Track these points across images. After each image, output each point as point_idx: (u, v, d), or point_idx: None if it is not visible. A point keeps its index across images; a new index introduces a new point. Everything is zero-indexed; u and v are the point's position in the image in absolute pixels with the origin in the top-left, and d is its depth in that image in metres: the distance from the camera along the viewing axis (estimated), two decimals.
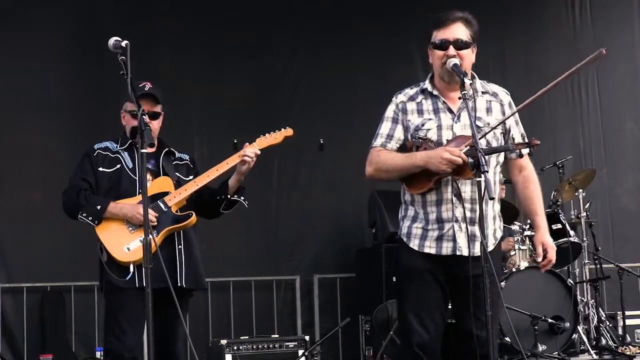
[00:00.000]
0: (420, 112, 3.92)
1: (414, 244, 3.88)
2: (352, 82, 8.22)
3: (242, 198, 4.58)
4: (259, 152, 4.51)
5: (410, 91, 4.01)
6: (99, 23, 7.37)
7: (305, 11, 8.25)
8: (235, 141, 7.58)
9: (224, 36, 7.96)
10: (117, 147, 4.48)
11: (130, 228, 4.27)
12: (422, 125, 3.88)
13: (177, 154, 4.64)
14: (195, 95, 7.81)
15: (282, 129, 4.70)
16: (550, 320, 6.33)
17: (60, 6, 7.50)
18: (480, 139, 3.66)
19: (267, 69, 8.15)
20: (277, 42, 8.23)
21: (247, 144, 4.55)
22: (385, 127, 3.97)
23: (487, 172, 3.51)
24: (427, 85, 3.96)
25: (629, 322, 7.17)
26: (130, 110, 4.48)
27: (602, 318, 6.91)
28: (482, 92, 3.96)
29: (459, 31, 3.86)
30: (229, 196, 4.52)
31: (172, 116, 7.38)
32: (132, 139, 4.45)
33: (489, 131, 3.84)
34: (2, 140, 7.17)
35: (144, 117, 3.81)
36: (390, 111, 3.99)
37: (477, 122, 3.87)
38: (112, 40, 3.77)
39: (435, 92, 3.93)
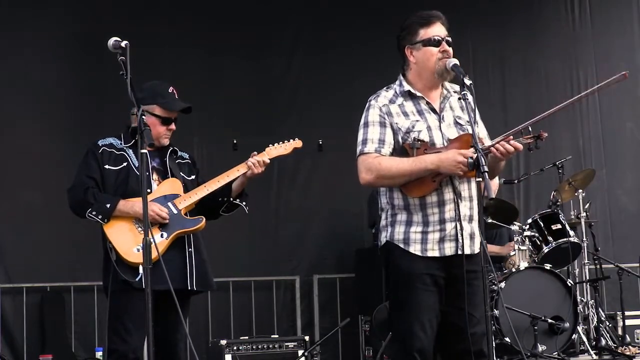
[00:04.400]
0: (405, 114, 3.86)
1: (415, 249, 3.80)
2: (352, 83, 8.20)
3: (244, 203, 4.58)
4: (267, 161, 4.53)
5: (386, 94, 3.94)
6: (99, 23, 7.37)
7: (305, 11, 8.25)
8: (235, 141, 7.63)
9: (224, 36, 7.97)
10: (121, 143, 4.43)
11: (140, 228, 4.23)
12: (413, 127, 3.83)
13: (179, 152, 4.63)
14: (195, 95, 7.78)
15: (292, 140, 4.72)
16: (550, 321, 6.33)
17: (60, 6, 7.51)
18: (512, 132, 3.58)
19: (267, 69, 8.16)
20: (277, 42, 8.23)
21: (255, 153, 4.55)
22: (373, 132, 3.85)
23: (487, 172, 3.51)
24: (407, 86, 3.91)
25: (628, 322, 7.17)
26: (162, 117, 4.42)
27: (602, 318, 6.91)
28: (454, 92, 3.95)
29: (444, 30, 3.89)
30: (231, 199, 4.52)
31: None
32: (132, 139, 4.43)
33: (515, 130, 3.78)
34: (2, 140, 7.17)
35: (143, 117, 3.82)
36: (374, 115, 3.87)
37: (459, 121, 3.89)
38: (111, 41, 3.77)
39: (418, 94, 3.89)
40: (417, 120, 3.85)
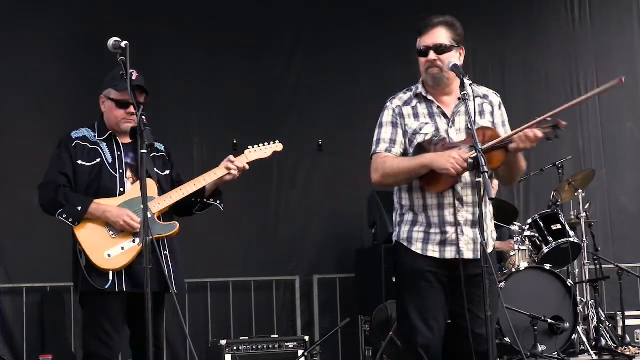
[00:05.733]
0: (416, 116, 3.94)
1: (417, 248, 3.88)
2: (352, 83, 8.22)
3: (218, 202, 4.48)
4: (247, 167, 4.40)
5: (404, 96, 4.02)
6: (99, 23, 7.37)
7: (305, 11, 8.25)
8: (235, 142, 7.64)
9: (224, 36, 7.96)
10: (95, 136, 4.30)
11: (112, 232, 4.14)
12: (420, 129, 3.90)
13: (155, 145, 4.36)
14: (195, 95, 7.81)
15: (272, 143, 4.57)
16: (549, 321, 6.33)
17: (60, 6, 7.50)
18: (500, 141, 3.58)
19: (267, 70, 8.15)
20: (277, 42, 8.23)
21: (232, 156, 4.42)
22: (386, 132, 3.97)
23: (487, 172, 3.53)
24: (421, 89, 3.97)
25: (628, 322, 7.17)
26: (116, 100, 4.27)
27: (602, 318, 6.91)
28: (474, 96, 3.96)
29: (439, 36, 3.89)
30: (205, 199, 4.43)
31: (172, 116, 7.48)
32: (131, 140, 4.38)
33: (512, 134, 3.79)
34: (2, 140, 7.17)
35: (143, 117, 3.79)
36: (388, 116, 3.99)
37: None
38: (111, 41, 3.77)
39: (429, 97, 3.95)
40: (426, 123, 3.91)
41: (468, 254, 3.84)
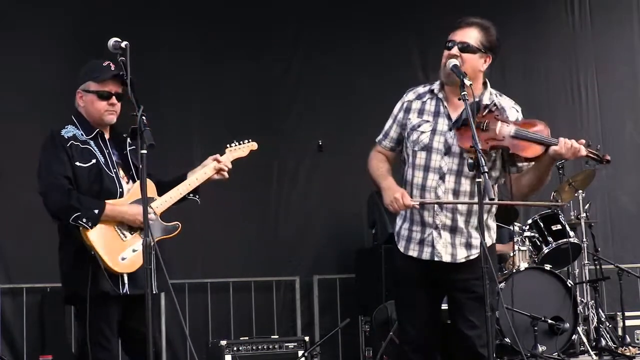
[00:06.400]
0: (421, 112, 3.95)
1: (401, 246, 3.97)
2: (351, 83, 8.22)
3: (197, 196, 4.42)
4: (230, 167, 4.42)
5: (420, 89, 4.04)
6: (99, 23, 7.36)
7: (305, 12, 8.24)
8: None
9: (223, 37, 7.96)
10: (82, 134, 4.19)
11: (123, 235, 4.10)
12: (418, 126, 3.92)
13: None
14: (195, 95, 7.81)
15: (247, 142, 4.59)
16: (550, 321, 6.33)
17: (60, 6, 7.49)
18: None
19: (267, 70, 8.15)
20: (276, 43, 8.22)
21: (218, 155, 4.42)
22: (387, 124, 4.08)
23: (487, 172, 3.53)
24: (435, 86, 3.98)
25: (628, 322, 7.18)
26: (97, 91, 4.17)
27: (602, 319, 6.91)
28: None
29: (469, 35, 3.90)
30: (187, 196, 4.37)
31: (172, 116, 7.47)
32: (132, 140, 4.34)
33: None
34: (2, 140, 7.16)
35: (143, 117, 3.77)
36: (396, 108, 4.06)
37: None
38: (111, 41, 3.76)
39: (440, 95, 3.94)
40: (427, 121, 3.92)
41: (446, 258, 3.86)
